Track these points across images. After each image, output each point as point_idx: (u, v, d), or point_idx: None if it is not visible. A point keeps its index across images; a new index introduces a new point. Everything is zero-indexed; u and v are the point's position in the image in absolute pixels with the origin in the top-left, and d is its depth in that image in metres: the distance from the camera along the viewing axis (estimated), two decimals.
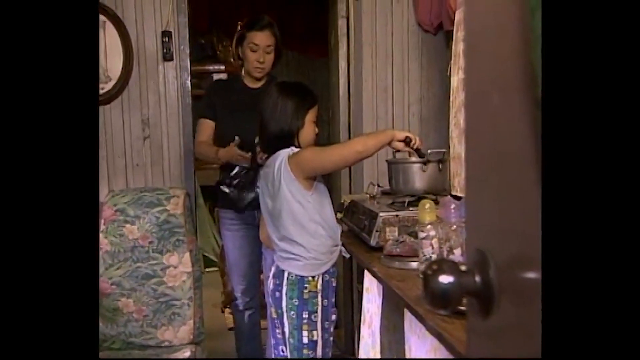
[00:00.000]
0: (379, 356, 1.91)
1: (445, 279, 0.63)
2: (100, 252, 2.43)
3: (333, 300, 1.93)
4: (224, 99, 2.50)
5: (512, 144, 0.67)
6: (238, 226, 2.54)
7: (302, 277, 1.86)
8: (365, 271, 1.97)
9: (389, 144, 1.83)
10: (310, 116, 1.89)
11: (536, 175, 0.57)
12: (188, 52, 2.69)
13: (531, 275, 0.60)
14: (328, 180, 1.97)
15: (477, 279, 0.64)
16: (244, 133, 2.29)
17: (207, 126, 2.52)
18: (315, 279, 1.86)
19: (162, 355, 2.30)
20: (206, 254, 4.91)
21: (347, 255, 2.02)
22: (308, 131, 1.88)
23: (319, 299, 1.86)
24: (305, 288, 1.85)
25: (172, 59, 2.66)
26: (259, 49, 2.41)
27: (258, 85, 2.53)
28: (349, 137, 2.99)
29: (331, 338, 1.94)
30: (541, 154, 0.56)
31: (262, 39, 2.40)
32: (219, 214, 2.69)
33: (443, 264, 0.65)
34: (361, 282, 2.14)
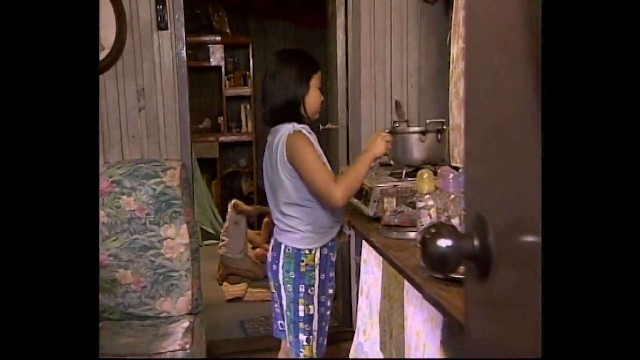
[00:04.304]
0: (376, 326, 1.92)
1: (443, 242, 0.62)
2: None
3: (331, 274, 1.91)
4: None
5: (513, 107, 0.65)
6: None
7: (298, 250, 1.83)
8: (364, 242, 1.97)
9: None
10: (315, 81, 1.82)
11: (537, 139, 0.56)
12: (183, 20, 2.63)
13: (530, 239, 0.59)
14: (326, 153, 1.93)
15: (476, 242, 0.63)
16: None
17: None
18: (313, 252, 1.83)
19: (161, 326, 2.32)
20: (204, 227, 4.91)
21: (349, 232, 1.99)
22: (314, 97, 1.82)
23: (316, 272, 1.84)
24: (302, 261, 1.83)
25: (166, 28, 2.60)
26: None
27: None
28: (347, 109, 2.95)
29: (328, 312, 1.92)
30: (541, 116, 0.55)
31: None
32: None
33: (442, 228, 0.64)
34: (359, 253, 2.14)
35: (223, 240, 4.10)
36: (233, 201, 4.19)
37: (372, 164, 1.83)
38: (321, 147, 1.88)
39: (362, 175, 1.78)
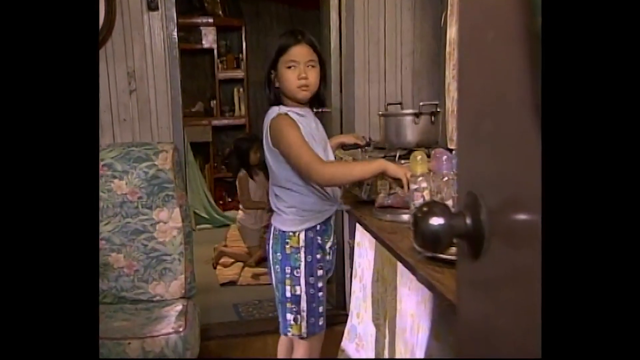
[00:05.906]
0: (369, 309, 1.92)
1: (435, 220, 0.61)
2: None
3: (318, 256, 1.86)
4: None
5: (508, 83, 0.64)
6: None
7: (283, 232, 1.84)
8: (357, 225, 1.96)
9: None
10: (284, 60, 1.77)
11: (534, 116, 0.54)
12: (174, 1, 2.59)
13: (524, 217, 0.58)
14: None
15: (468, 221, 0.62)
16: None
17: None
18: (296, 234, 1.83)
19: (155, 309, 2.31)
20: (197, 211, 4.90)
21: (346, 208, 1.97)
22: (284, 77, 1.78)
23: (302, 254, 1.83)
24: (287, 243, 1.84)
25: (157, 9, 2.56)
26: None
27: None
28: (340, 92, 2.93)
29: (321, 293, 1.89)
30: (540, 93, 0.53)
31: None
32: None
33: (434, 206, 0.63)
34: (353, 237, 2.13)
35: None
36: None
37: (370, 176, 1.75)
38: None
39: (354, 174, 1.76)
